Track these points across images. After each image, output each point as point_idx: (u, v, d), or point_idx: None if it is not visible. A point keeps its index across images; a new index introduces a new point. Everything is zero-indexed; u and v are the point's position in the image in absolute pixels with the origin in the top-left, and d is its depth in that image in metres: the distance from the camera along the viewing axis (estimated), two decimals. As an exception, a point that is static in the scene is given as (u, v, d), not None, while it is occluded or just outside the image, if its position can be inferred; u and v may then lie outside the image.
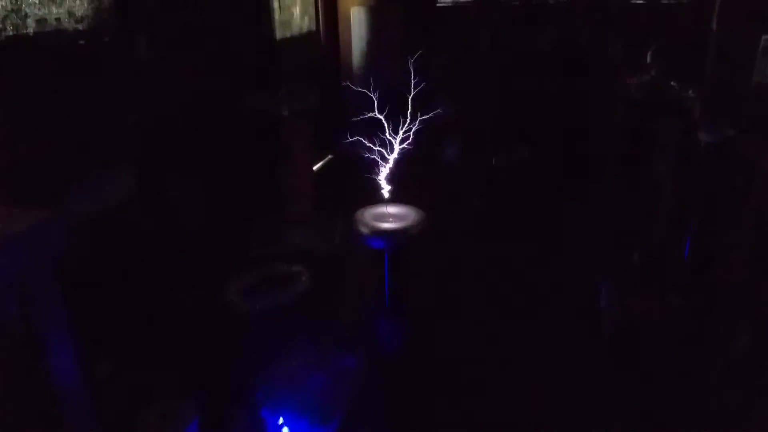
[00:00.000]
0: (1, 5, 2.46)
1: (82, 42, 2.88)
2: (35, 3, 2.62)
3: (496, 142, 5.23)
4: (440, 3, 5.87)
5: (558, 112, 5.17)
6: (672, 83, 5.39)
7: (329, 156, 6.14)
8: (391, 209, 2.86)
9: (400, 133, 2.96)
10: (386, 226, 2.75)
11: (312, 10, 5.66)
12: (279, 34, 4.93)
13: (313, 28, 5.72)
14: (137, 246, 3.21)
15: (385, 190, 2.87)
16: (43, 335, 1.80)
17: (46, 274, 1.78)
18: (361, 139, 3.05)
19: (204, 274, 3.62)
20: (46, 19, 2.66)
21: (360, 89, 3.23)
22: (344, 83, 6.26)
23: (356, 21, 5.94)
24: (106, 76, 3.02)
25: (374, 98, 3.01)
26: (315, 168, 5.67)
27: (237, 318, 3.37)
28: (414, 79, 3.05)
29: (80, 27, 2.87)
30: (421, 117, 3.01)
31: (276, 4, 4.87)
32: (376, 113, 3.08)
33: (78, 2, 2.84)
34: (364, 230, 2.71)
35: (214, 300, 3.47)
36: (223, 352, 3.13)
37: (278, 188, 4.34)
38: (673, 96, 5.21)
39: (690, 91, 5.26)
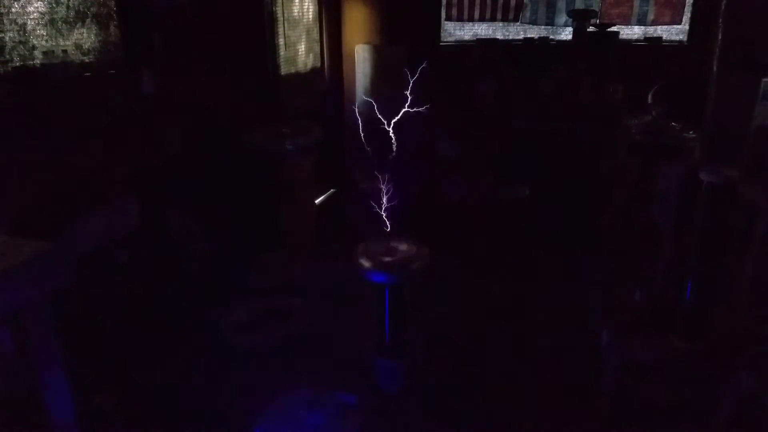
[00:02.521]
0: (9, 37, 2.49)
1: (88, 74, 2.90)
2: (43, 35, 2.65)
3: (497, 179, 5.23)
4: (443, 42, 5.96)
5: (559, 152, 5.18)
6: (673, 124, 5.41)
7: (332, 190, 6.15)
8: (393, 244, 2.83)
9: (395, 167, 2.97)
10: (388, 260, 2.72)
11: (317, 48, 5.75)
12: (284, 70, 4.99)
13: (318, 65, 5.80)
14: (135, 280, 3.18)
15: (388, 224, 2.85)
16: (38, 370, 1.75)
17: (43, 310, 1.75)
18: (363, 173, 3.05)
19: (202, 308, 3.57)
20: (53, 51, 2.69)
21: (362, 124, 3.25)
22: (347, 119, 6.34)
23: (360, 59, 6.02)
24: (111, 109, 3.04)
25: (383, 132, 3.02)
26: (317, 201, 5.68)
27: (234, 353, 3.31)
28: (411, 110, 3.06)
29: (87, 59, 2.90)
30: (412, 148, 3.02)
31: (282, 41, 4.95)
32: (377, 146, 3.09)
33: (86, 35, 2.88)
34: (366, 264, 2.68)
35: (212, 335, 3.42)
36: (220, 388, 3.06)
37: (279, 222, 4.32)
38: (674, 137, 5.23)
39: (691, 132, 5.28)
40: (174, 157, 3.53)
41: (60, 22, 2.72)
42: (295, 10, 5.18)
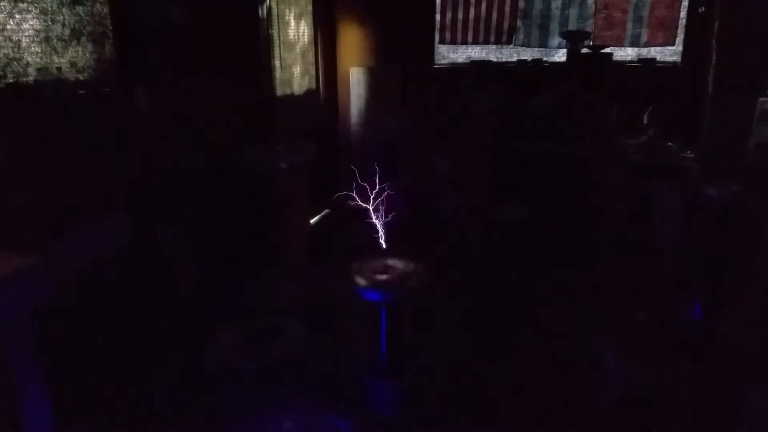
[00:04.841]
0: (3, 53, 2.47)
1: (82, 92, 2.88)
2: (37, 52, 2.63)
3: (492, 200, 5.20)
4: (437, 65, 6.00)
5: (556, 172, 5.16)
6: (669, 144, 5.42)
7: (326, 210, 6.11)
8: (390, 262, 2.78)
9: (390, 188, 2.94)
10: (384, 278, 2.66)
11: (312, 70, 5.77)
12: (279, 91, 5.00)
13: (313, 86, 5.82)
14: (124, 299, 3.11)
15: (383, 242, 2.80)
16: (18, 389, 1.68)
17: (25, 326, 1.68)
18: (357, 194, 3.01)
19: (193, 328, 3.49)
20: (47, 68, 2.67)
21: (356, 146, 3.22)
22: (342, 141, 6.35)
23: (355, 81, 6.04)
24: (105, 126, 3.01)
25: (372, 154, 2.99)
26: (312, 221, 5.63)
27: (225, 375, 3.22)
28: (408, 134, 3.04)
29: (81, 77, 2.88)
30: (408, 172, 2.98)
31: (277, 63, 4.96)
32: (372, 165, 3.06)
33: (80, 53, 2.86)
34: (362, 282, 2.62)
35: (202, 356, 3.33)
36: (207, 413, 2.96)
37: (273, 241, 4.27)
38: (671, 157, 5.23)
39: (688, 152, 5.29)
40: (167, 174, 3.49)
41: (55, 40, 2.71)
42: (291, 33, 5.21)
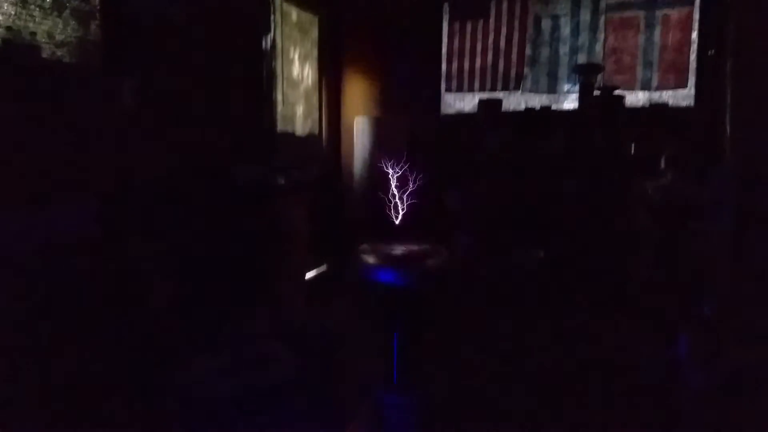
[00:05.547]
0: (-30, 4, 2.25)
1: (58, 68, 2.63)
2: (10, 13, 2.41)
3: (510, 243, 4.85)
4: (444, 113, 5.86)
5: (575, 214, 4.86)
6: (689, 185, 5.15)
7: (324, 265, 5.72)
8: (405, 245, 2.37)
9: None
10: (400, 251, 2.24)
11: (316, 114, 5.63)
12: (280, 126, 4.79)
13: (316, 131, 5.65)
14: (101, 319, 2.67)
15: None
16: None
17: None
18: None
19: (164, 350, 3.00)
20: (20, 31, 2.43)
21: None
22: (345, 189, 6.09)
23: (360, 130, 5.89)
24: (80, 112, 2.73)
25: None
26: (310, 275, 5.23)
27: (207, 403, 2.69)
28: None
29: (59, 52, 2.65)
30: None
31: (279, 97, 4.81)
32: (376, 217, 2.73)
33: (61, 27, 2.65)
34: (371, 261, 2.19)
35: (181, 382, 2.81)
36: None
37: (268, 269, 3.85)
38: (691, 198, 4.96)
39: (707, 193, 5.00)
40: (148, 181, 3.16)
41: (33, 6, 2.50)
42: (295, 72, 5.11)
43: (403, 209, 2.50)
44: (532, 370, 3.19)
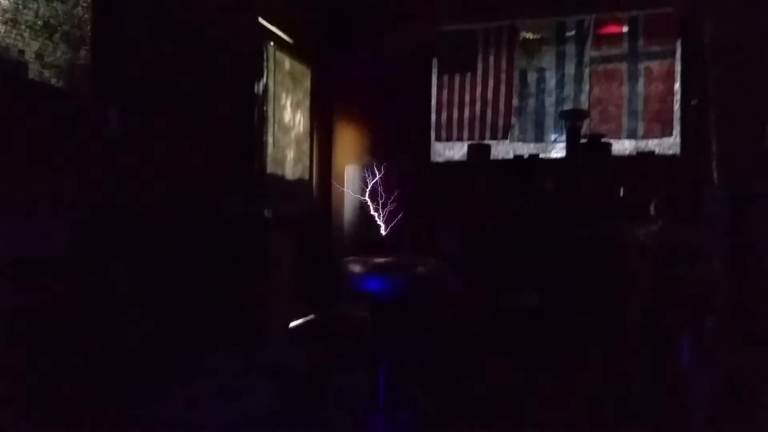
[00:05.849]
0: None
1: (45, 88, 2.65)
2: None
3: (502, 286, 4.78)
4: (434, 162, 5.92)
5: (567, 259, 4.81)
6: (679, 232, 5.17)
7: (312, 315, 5.59)
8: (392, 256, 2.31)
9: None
10: (385, 259, 2.17)
11: (306, 161, 5.67)
12: (270, 167, 4.81)
13: (306, 177, 5.67)
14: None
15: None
16: None
17: None
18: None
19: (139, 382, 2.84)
20: (8, 48, 2.46)
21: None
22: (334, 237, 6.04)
23: (350, 178, 5.92)
24: (65, 132, 2.72)
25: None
26: (292, 325, 5.09)
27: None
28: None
29: (47, 73, 2.67)
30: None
31: (270, 140, 4.85)
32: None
33: (51, 49, 2.68)
34: (357, 269, 2.12)
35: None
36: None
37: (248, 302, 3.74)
38: (681, 244, 4.97)
39: (698, 239, 5.03)
40: (131, 208, 3.11)
41: (23, 26, 2.55)
42: (286, 117, 5.18)
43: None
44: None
